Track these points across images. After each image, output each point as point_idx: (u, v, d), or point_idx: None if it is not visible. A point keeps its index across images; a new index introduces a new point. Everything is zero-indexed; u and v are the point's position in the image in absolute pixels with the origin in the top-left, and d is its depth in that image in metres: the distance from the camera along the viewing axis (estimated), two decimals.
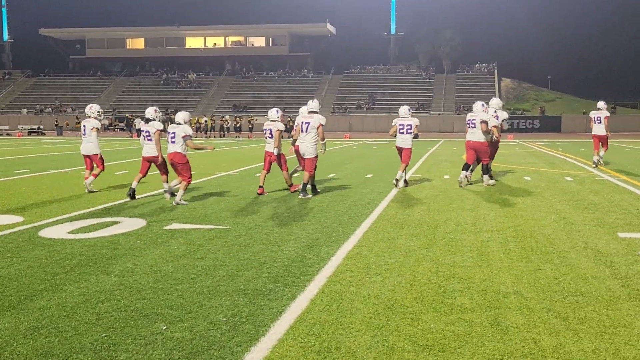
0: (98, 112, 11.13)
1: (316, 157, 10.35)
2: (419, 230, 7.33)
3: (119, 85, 69.25)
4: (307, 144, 10.26)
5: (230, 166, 16.58)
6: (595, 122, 15.86)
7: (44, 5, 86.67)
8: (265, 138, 10.80)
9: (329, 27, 71.70)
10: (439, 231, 7.25)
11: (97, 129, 10.98)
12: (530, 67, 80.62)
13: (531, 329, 3.98)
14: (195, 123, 42.27)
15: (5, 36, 79.77)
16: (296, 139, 10.61)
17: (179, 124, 9.65)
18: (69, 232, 7.17)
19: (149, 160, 10.01)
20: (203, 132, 43.07)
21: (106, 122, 54.71)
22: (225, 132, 44.37)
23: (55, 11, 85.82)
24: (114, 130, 49.86)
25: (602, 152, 15.95)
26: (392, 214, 8.53)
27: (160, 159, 9.87)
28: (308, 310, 4.35)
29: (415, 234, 7.10)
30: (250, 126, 44.55)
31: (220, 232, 7.17)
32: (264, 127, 10.80)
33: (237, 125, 45.61)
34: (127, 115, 50.87)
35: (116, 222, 7.85)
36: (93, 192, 10.85)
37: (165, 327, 4.02)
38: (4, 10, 79.93)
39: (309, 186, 10.39)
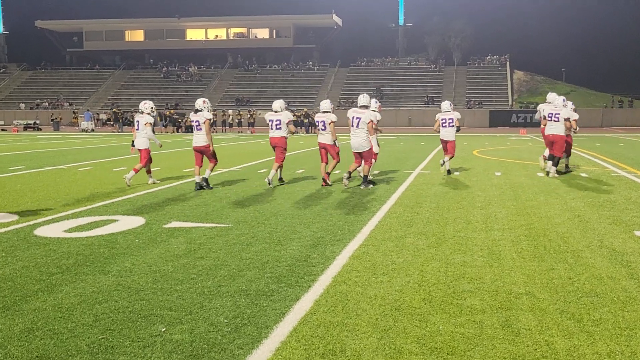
0: (151, 108, 11.98)
1: (371, 148, 10.98)
2: (428, 228, 7.31)
3: (118, 79, 69.41)
4: (359, 139, 10.82)
5: (232, 162, 16.59)
6: None
7: None
8: (319, 130, 11.37)
9: (335, 18, 71.62)
10: (449, 229, 7.23)
11: (150, 124, 11.77)
12: (543, 59, 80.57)
13: (544, 331, 3.97)
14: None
15: (0, 28, 80.00)
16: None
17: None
18: (65, 231, 7.19)
19: (200, 151, 10.78)
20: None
21: (104, 116, 54.86)
22: (228, 127, 44.39)
23: (51, 3, 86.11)
24: (112, 126, 50.02)
25: None
26: (400, 211, 8.52)
27: (211, 148, 10.74)
28: (312, 312, 4.34)
29: (423, 232, 7.08)
30: (252, 121, 44.18)
31: (222, 231, 7.17)
32: (316, 120, 11.40)
33: (252, 121, 44.54)
34: (114, 109, 50.92)
35: (114, 221, 7.87)
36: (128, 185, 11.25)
37: (164, 329, 4.02)
38: None
39: (370, 177, 11.41)
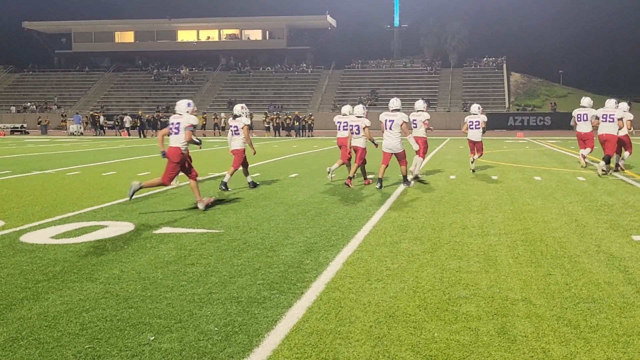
0: (246, 112, 12.28)
1: (404, 150, 11.66)
2: (423, 233, 7.32)
3: (107, 81, 69.26)
4: (393, 140, 11.57)
5: (224, 166, 16.55)
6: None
7: None
8: (352, 134, 12.01)
9: (329, 19, 71.76)
10: (444, 235, 7.24)
11: (248, 125, 12.01)
12: (541, 61, 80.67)
13: (540, 338, 3.98)
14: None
15: None
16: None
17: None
18: (52, 237, 7.16)
19: (235, 154, 11.41)
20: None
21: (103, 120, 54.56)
22: (220, 131, 44.39)
23: (39, 3, 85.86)
24: (90, 129, 49.74)
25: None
26: (394, 216, 8.53)
27: (253, 151, 11.55)
28: (305, 319, 4.34)
29: (419, 237, 7.09)
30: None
31: (213, 237, 7.16)
32: (350, 124, 12.05)
33: (267, 125, 44.83)
34: (91, 112, 50.71)
35: (102, 226, 7.84)
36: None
37: (153, 338, 4.01)
38: None
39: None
